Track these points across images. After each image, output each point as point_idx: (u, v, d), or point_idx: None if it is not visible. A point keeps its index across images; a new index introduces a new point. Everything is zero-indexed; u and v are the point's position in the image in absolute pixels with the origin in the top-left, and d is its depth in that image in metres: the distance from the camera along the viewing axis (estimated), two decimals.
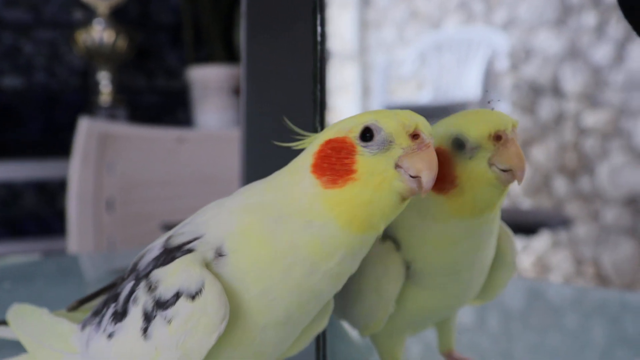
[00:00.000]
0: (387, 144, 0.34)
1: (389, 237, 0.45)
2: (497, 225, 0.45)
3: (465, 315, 0.78)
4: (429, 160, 0.34)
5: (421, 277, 0.45)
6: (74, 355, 0.41)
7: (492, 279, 0.49)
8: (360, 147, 0.34)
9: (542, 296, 0.94)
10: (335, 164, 0.34)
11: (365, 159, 0.34)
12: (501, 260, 0.48)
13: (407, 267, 0.45)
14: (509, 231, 0.48)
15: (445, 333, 0.53)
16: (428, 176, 0.34)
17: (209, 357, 0.35)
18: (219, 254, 0.35)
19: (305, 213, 0.35)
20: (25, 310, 0.46)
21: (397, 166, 0.34)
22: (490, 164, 0.39)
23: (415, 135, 0.35)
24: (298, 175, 0.35)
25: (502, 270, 0.49)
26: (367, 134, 0.34)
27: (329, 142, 0.35)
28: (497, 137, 0.39)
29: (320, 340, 0.48)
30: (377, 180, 0.34)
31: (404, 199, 0.35)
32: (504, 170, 0.39)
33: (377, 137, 0.34)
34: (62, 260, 1.26)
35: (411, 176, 0.34)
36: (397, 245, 0.45)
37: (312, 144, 0.36)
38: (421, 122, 0.35)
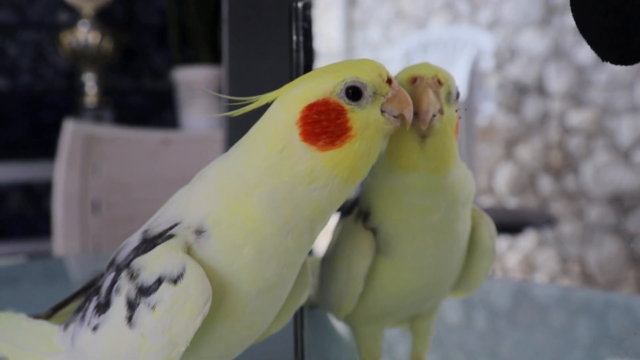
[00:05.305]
0: (373, 96, 0.37)
1: (362, 213, 0.46)
2: (460, 193, 0.45)
3: (451, 314, 0.78)
4: (406, 99, 0.38)
5: (388, 243, 0.45)
6: (59, 354, 0.41)
7: (471, 267, 0.49)
8: (349, 106, 0.36)
9: (528, 295, 0.95)
10: (328, 127, 0.36)
11: (356, 114, 0.36)
12: (479, 246, 0.48)
13: (375, 234, 0.45)
14: (486, 217, 0.48)
15: (420, 338, 0.52)
16: (409, 111, 0.38)
17: (199, 338, 0.36)
18: (199, 232, 0.36)
19: (304, 179, 0.36)
20: (2, 317, 0.45)
21: (381, 112, 0.37)
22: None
23: (388, 81, 0.38)
24: (277, 147, 0.36)
25: (481, 258, 0.48)
26: (350, 92, 0.36)
27: (310, 107, 0.36)
28: (413, 80, 0.43)
29: (298, 336, 0.49)
30: (372, 130, 0.37)
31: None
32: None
33: (366, 93, 0.37)
34: (47, 262, 1.26)
35: (394, 116, 0.38)
36: (368, 213, 0.46)
37: (275, 112, 0.37)
38: (385, 68, 0.38)
